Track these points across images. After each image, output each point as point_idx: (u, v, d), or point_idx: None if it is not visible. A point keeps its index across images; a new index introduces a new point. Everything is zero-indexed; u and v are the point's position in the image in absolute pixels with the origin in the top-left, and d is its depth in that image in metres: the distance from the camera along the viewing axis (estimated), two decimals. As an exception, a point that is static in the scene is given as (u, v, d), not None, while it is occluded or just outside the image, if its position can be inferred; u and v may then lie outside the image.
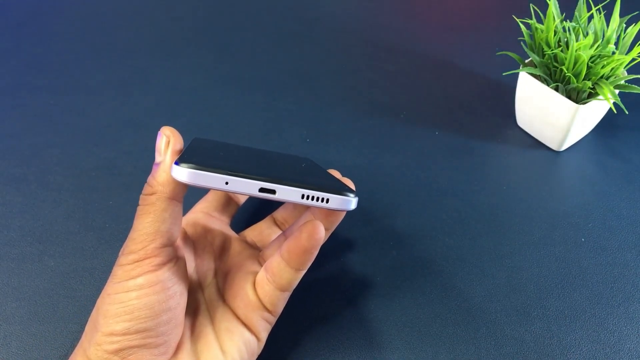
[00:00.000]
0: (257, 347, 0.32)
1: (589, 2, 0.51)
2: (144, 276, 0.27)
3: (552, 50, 0.44)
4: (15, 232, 0.42)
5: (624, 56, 0.43)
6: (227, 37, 0.62)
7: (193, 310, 0.32)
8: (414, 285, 0.40)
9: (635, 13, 0.52)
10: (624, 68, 0.46)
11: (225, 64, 0.59)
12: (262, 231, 0.38)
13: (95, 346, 0.27)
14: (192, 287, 0.33)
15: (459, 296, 0.39)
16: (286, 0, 0.69)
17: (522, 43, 0.48)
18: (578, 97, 0.46)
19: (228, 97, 0.55)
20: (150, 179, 0.29)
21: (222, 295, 0.33)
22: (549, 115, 0.47)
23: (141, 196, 0.29)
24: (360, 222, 0.43)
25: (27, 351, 0.35)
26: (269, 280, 0.31)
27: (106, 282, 0.29)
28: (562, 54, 0.44)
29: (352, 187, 0.35)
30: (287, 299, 0.32)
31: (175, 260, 0.29)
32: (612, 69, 0.44)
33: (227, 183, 0.27)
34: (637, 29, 0.45)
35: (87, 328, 0.29)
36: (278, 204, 0.41)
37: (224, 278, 0.34)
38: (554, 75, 0.46)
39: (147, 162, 0.47)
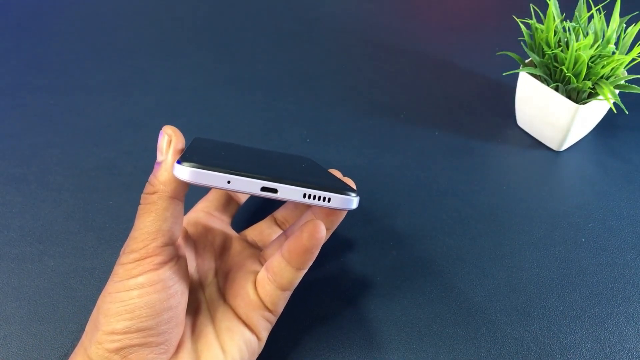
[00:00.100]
0: (257, 346, 0.32)
1: (589, 2, 0.51)
2: (145, 275, 0.27)
3: (552, 50, 0.45)
4: (15, 232, 0.42)
5: (624, 56, 0.43)
6: (227, 37, 0.62)
7: (194, 310, 0.32)
8: (414, 285, 0.40)
9: (635, 13, 0.52)
10: (624, 68, 0.46)
11: (225, 64, 0.59)
12: (262, 231, 0.38)
13: (96, 345, 0.27)
14: (193, 286, 0.33)
15: (459, 296, 0.39)
16: (286, 0, 0.69)
17: (522, 43, 0.48)
18: (578, 97, 0.46)
19: (228, 97, 0.55)
20: (151, 178, 0.29)
21: (223, 294, 0.33)
22: (549, 115, 0.47)
23: (143, 195, 0.29)
24: (360, 222, 0.43)
25: (27, 351, 0.35)
26: (269, 280, 0.31)
27: (106, 281, 0.29)
28: (562, 54, 0.44)
29: (353, 186, 0.35)
30: (287, 299, 0.32)
31: (177, 259, 0.29)
32: (612, 69, 0.44)
33: (229, 182, 0.27)
34: (637, 29, 0.45)
35: (87, 327, 0.29)
36: (279, 203, 0.41)
37: (224, 277, 0.34)
38: (554, 75, 0.46)
39: (147, 162, 0.47)
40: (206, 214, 0.37)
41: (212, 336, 0.31)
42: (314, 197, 0.28)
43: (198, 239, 0.35)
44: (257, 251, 0.35)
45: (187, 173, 0.26)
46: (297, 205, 0.38)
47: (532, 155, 0.50)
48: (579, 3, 0.47)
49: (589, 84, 0.44)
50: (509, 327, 0.37)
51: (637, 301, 0.39)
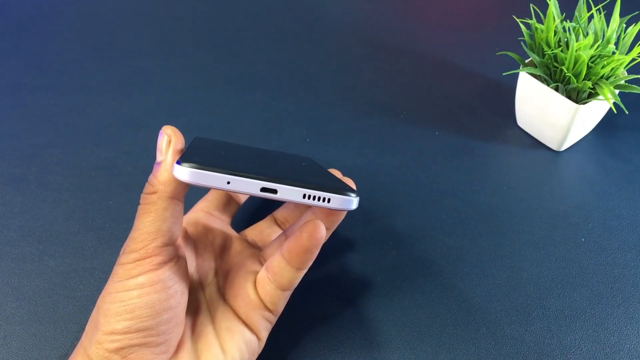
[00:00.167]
0: (257, 346, 0.32)
1: (589, 2, 0.51)
2: (144, 275, 0.27)
3: (552, 50, 0.45)
4: (15, 232, 0.42)
5: (624, 56, 0.43)
6: (227, 37, 0.62)
7: (194, 310, 0.32)
8: (414, 285, 0.40)
9: (635, 13, 0.52)
10: (624, 68, 0.46)
11: (225, 64, 0.59)
12: (262, 230, 0.38)
13: (96, 345, 0.27)
14: (193, 286, 0.33)
15: (459, 296, 0.39)
16: (286, 0, 0.69)
17: (522, 43, 0.48)
18: (578, 97, 0.46)
19: (228, 97, 0.55)
20: (151, 178, 0.29)
21: (223, 294, 0.33)
22: (549, 115, 0.47)
23: (142, 195, 0.29)
24: (360, 222, 0.43)
25: (27, 351, 0.35)
26: (269, 280, 0.31)
27: (106, 281, 0.29)
28: (562, 54, 0.44)
29: (353, 186, 0.35)
30: (287, 299, 0.32)
31: (176, 259, 0.29)
32: (612, 69, 0.44)
33: (228, 182, 0.27)
34: (637, 29, 0.45)
35: (87, 327, 0.29)
36: (279, 203, 0.41)
37: (224, 277, 0.34)
38: (554, 75, 0.46)
39: (147, 162, 0.47)
40: (206, 213, 0.37)
41: (212, 336, 0.31)
42: (314, 198, 0.28)
43: (198, 239, 0.35)
44: (257, 251, 0.35)
45: (186, 173, 0.26)
46: (297, 205, 0.38)
47: (532, 155, 0.50)
48: (579, 3, 0.47)
49: (589, 84, 0.44)
50: (509, 327, 0.37)
51: (637, 301, 0.39)
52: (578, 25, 0.46)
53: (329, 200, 0.28)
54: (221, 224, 0.37)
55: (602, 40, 0.45)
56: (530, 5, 0.48)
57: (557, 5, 0.47)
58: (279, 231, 0.38)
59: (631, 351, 0.36)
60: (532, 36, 0.47)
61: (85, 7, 0.66)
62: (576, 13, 0.47)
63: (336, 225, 0.33)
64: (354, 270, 0.40)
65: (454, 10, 0.70)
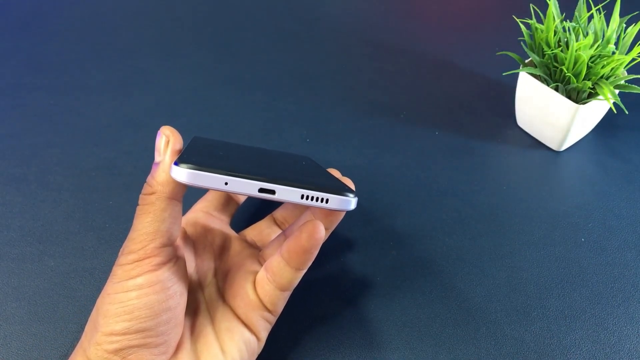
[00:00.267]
0: (257, 346, 0.32)
1: (589, 2, 0.51)
2: (143, 276, 0.27)
3: (552, 50, 0.44)
4: (15, 232, 0.42)
5: (624, 56, 0.43)
6: (227, 37, 0.62)
7: (193, 310, 0.32)
8: (414, 285, 0.40)
9: (635, 13, 0.52)
10: (624, 68, 0.46)
11: (225, 64, 0.59)
12: (261, 230, 0.38)
13: (95, 346, 0.27)
14: (192, 286, 0.33)
15: (459, 296, 0.39)
16: (286, 0, 0.69)
17: (522, 43, 0.48)
18: (578, 97, 0.46)
19: (228, 97, 0.55)
20: (149, 178, 0.29)
21: (222, 294, 0.33)
22: (549, 115, 0.47)
23: (141, 196, 0.29)
24: (360, 222, 0.43)
25: (27, 351, 0.35)
26: (269, 280, 0.31)
27: (106, 282, 0.29)
28: (562, 54, 0.44)
29: (352, 186, 0.35)
30: (287, 299, 0.32)
31: (175, 260, 0.29)
32: (612, 69, 0.44)
33: (226, 183, 0.27)
34: (637, 29, 0.45)
35: (87, 328, 0.29)
36: (277, 203, 0.41)
37: (224, 277, 0.34)
38: (554, 75, 0.46)
39: (147, 162, 0.47)
40: (205, 214, 0.37)
41: (212, 336, 0.31)
42: (312, 198, 0.28)
43: (197, 239, 0.35)
44: (257, 251, 0.35)
45: (184, 175, 0.26)
46: (296, 205, 0.38)
47: (532, 155, 0.50)
48: (579, 3, 0.47)
49: (589, 84, 0.44)
50: (509, 327, 0.37)
51: (637, 301, 0.39)
52: (578, 25, 0.46)
53: (327, 201, 0.28)
54: (220, 224, 0.37)
55: (602, 40, 0.45)
56: (530, 5, 0.48)
57: (557, 5, 0.47)
58: (278, 231, 0.38)
59: (631, 351, 0.36)
60: (532, 36, 0.47)
61: (85, 7, 0.66)
62: (576, 13, 0.47)
63: (335, 225, 0.33)
64: (354, 270, 0.40)
65: (454, 10, 0.69)
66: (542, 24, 0.46)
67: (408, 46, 0.62)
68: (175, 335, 0.29)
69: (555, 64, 0.45)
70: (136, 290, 0.27)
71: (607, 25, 0.46)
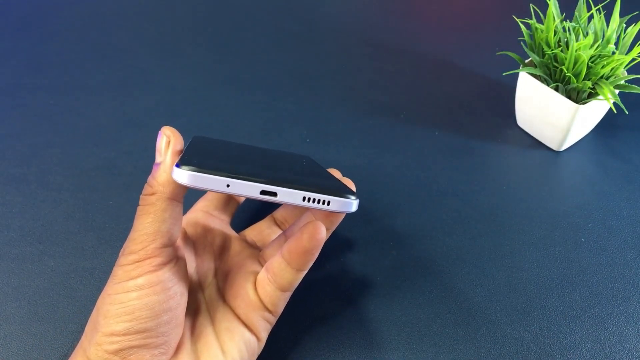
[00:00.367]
0: (257, 347, 0.32)
1: (589, 2, 0.51)
2: (144, 276, 0.27)
3: (552, 50, 0.44)
4: (15, 232, 0.42)
5: (624, 56, 0.43)
6: (227, 37, 0.62)
7: (193, 311, 0.32)
8: (414, 285, 0.40)
9: (635, 13, 0.52)
10: (624, 68, 0.46)
11: (225, 64, 0.59)
12: (262, 231, 0.38)
13: (96, 346, 0.27)
14: (193, 287, 0.33)
15: (459, 296, 0.39)
16: (286, 0, 0.69)
17: (522, 43, 0.48)
18: (578, 97, 0.46)
19: (228, 97, 0.55)
20: (150, 179, 0.29)
21: (223, 295, 0.33)
22: (549, 115, 0.47)
23: (141, 196, 0.29)
24: (360, 222, 0.43)
25: (27, 351, 0.35)
26: (269, 281, 0.31)
27: (106, 282, 0.29)
28: (562, 54, 0.44)
29: (353, 187, 0.35)
30: (287, 299, 0.32)
31: (176, 260, 0.29)
32: (612, 69, 0.44)
33: (228, 186, 0.27)
34: (637, 29, 0.45)
35: (87, 328, 0.29)
36: (278, 204, 0.41)
37: (224, 278, 0.33)
38: (554, 75, 0.46)
39: (147, 162, 0.47)
40: (205, 214, 0.37)
41: (212, 337, 0.31)
42: (313, 200, 0.28)
43: (197, 240, 0.35)
44: (257, 251, 0.35)
45: (185, 177, 0.26)
46: (296, 206, 0.38)
47: (532, 155, 0.50)
48: (579, 3, 0.47)
49: (589, 84, 0.44)
50: (509, 327, 0.37)
51: (637, 301, 0.39)
52: (578, 25, 0.46)
53: (328, 203, 0.28)
54: (221, 224, 0.37)
55: (602, 40, 0.45)
56: (530, 5, 0.48)
57: (557, 5, 0.47)
58: (279, 231, 0.38)
59: (631, 351, 0.36)
60: (532, 36, 0.47)
61: (85, 7, 0.66)
62: (576, 13, 0.47)
63: (336, 226, 0.33)
64: (354, 270, 0.40)
65: (454, 10, 0.69)
66: (542, 24, 0.46)
67: (408, 46, 0.62)
68: (175, 335, 0.29)
69: (555, 64, 0.45)
70: (137, 290, 0.27)
71: (607, 25, 0.46)
